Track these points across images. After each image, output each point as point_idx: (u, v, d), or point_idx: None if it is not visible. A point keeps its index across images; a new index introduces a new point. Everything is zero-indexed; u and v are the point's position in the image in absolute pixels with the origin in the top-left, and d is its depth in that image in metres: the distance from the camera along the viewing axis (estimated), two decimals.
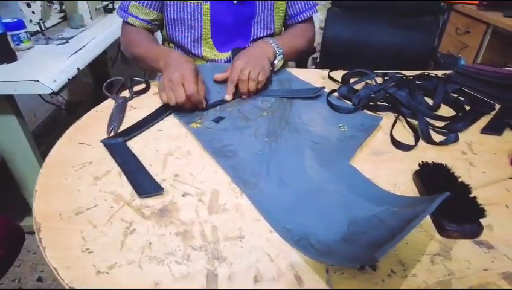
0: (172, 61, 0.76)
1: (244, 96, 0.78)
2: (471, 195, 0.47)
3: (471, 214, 0.45)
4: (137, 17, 0.93)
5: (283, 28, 1.08)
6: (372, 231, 0.42)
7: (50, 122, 2.03)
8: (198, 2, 0.89)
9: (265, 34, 0.99)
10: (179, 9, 0.90)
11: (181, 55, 0.80)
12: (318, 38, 1.66)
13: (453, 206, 0.45)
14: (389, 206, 0.46)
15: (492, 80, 0.81)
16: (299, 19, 1.03)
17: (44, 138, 1.73)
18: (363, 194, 0.50)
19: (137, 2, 0.92)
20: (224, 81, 0.83)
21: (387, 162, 0.60)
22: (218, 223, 0.47)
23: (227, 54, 0.97)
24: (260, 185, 0.53)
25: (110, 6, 1.54)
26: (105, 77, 0.84)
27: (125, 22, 0.96)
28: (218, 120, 0.69)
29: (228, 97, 0.77)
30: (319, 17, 2.16)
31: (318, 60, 1.71)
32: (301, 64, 1.48)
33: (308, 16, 1.02)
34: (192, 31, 0.93)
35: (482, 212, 0.45)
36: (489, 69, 0.84)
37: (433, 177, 0.51)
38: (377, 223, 0.43)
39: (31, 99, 1.69)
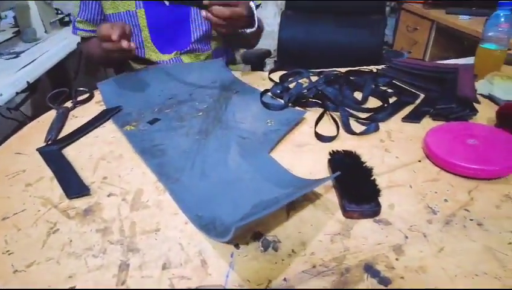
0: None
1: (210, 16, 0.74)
2: (372, 178, 0.51)
3: (368, 195, 0.49)
4: (85, 30, 1.00)
5: None
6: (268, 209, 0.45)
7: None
8: (132, 9, 0.92)
9: (204, 30, 1.01)
10: (117, 19, 0.94)
11: None
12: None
13: (352, 189, 0.49)
14: (292, 188, 0.50)
15: (418, 72, 0.87)
16: None
17: None
18: (274, 180, 0.53)
19: (82, 18, 0.98)
20: (167, 82, 0.87)
21: (307, 153, 0.64)
22: (138, 219, 0.50)
23: (170, 56, 1.00)
24: (182, 179, 0.56)
25: (67, 19, 1.55)
26: (69, 89, 0.86)
27: (81, 38, 1.02)
28: (153, 122, 0.72)
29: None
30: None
31: (275, 62, 1.76)
32: (258, 66, 1.52)
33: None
34: (133, 37, 0.96)
35: (377, 193, 0.49)
36: (416, 62, 0.90)
37: (341, 164, 0.55)
38: (272, 201, 0.47)
39: None
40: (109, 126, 0.74)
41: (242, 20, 0.80)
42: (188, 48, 1.00)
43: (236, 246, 0.45)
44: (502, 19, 0.85)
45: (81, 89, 0.88)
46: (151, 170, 0.59)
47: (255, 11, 0.84)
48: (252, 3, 0.85)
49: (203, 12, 0.75)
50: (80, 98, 0.85)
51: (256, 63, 1.50)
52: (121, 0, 0.92)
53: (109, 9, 0.94)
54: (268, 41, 2.27)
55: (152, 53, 1.00)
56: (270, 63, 2.32)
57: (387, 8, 2.25)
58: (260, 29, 1.03)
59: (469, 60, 0.96)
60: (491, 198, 0.53)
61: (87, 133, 0.71)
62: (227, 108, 0.77)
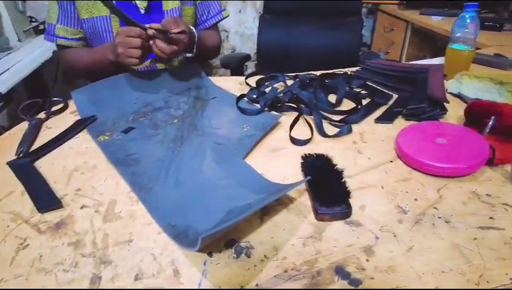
0: (112, 42, 0.83)
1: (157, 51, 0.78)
2: (343, 180, 0.52)
3: (339, 197, 0.50)
4: (65, 38, 0.97)
5: None
6: (238, 216, 0.46)
7: None
8: (107, 15, 0.92)
9: None
10: (92, 25, 0.93)
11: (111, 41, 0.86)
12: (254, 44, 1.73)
13: (323, 191, 0.50)
14: (265, 193, 0.50)
15: (390, 73, 0.89)
16: (206, 26, 1.08)
17: None
18: (248, 186, 0.54)
19: (62, 24, 0.95)
20: (142, 89, 0.87)
21: (282, 157, 0.65)
22: (110, 231, 0.50)
23: (145, 63, 0.99)
24: (156, 188, 0.56)
25: (41, 27, 1.52)
26: (45, 99, 0.85)
27: (58, 46, 0.99)
28: (127, 131, 0.72)
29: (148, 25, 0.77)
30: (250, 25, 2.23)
31: (256, 65, 1.77)
32: (238, 70, 1.53)
33: (214, 22, 1.09)
34: (106, 42, 0.95)
35: (348, 195, 0.50)
36: (388, 64, 0.92)
37: (313, 168, 0.56)
38: (245, 208, 0.47)
39: None
40: (83, 136, 0.73)
41: (181, 51, 0.83)
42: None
43: (210, 254, 0.45)
44: (468, 20, 0.88)
45: (55, 99, 0.87)
46: (124, 180, 0.59)
47: (196, 40, 0.88)
48: (195, 31, 0.88)
49: (150, 41, 0.78)
50: (54, 109, 0.84)
51: (236, 67, 1.50)
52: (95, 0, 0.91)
53: (84, 13, 0.92)
54: (249, 45, 2.29)
55: None
56: (251, 66, 2.34)
57: (365, 10, 2.29)
58: (211, 46, 1.06)
59: (440, 60, 0.99)
60: (459, 195, 0.55)
61: (61, 144, 0.70)
62: (203, 114, 0.77)
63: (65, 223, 0.51)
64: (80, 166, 0.63)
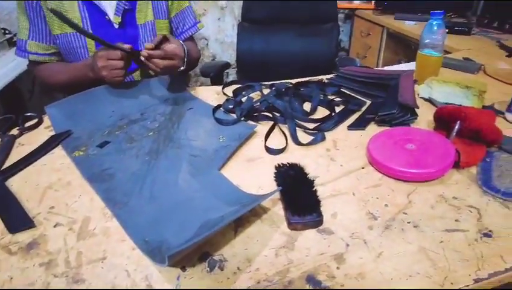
0: (91, 62, 0.84)
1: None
2: (314, 189, 0.54)
3: (310, 206, 0.51)
4: (37, 54, 0.96)
5: None
6: (210, 230, 0.46)
7: None
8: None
9: None
10: (65, 40, 0.92)
11: (90, 58, 0.87)
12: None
13: (295, 201, 0.51)
14: (239, 205, 0.51)
15: (364, 80, 0.91)
16: (182, 38, 1.09)
17: None
18: (223, 198, 0.55)
19: (33, 40, 0.94)
20: (119, 101, 0.87)
21: (257, 166, 0.65)
22: (84, 249, 0.49)
23: None
24: (130, 203, 0.56)
25: (16, 39, 1.50)
26: (22, 112, 0.84)
27: (30, 62, 0.98)
28: (103, 145, 0.71)
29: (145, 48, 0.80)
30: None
31: (235, 73, 1.78)
32: (217, 78, 1.53)
33: (190, 34, 1.10)
34: (81, 57, 0.94)
35: (318, 204, 0.51)
36: (361, 70, 0.94)
37: (286, 177, 0.57)
38: (219, 220, 0.48)
39: None
40: (58, 152, 0.72)
41: (177, 65, 0.86)
42: (138, 67, 1.00)
43: (183, 268, 0.46)
44: (435, 28, 0.91)
45: (29, 114, 0.85)
46: (99, 196, 0.59)
47: (185, 54, 0.89)
48: (185, 46, 0.89)
49: (142, 58, 0.80)
50: (27, 124, 0.83)
51: (215, 75, 1.51)
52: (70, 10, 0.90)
53: (57, 29, 0.92)
54: (229, 53, 2.30)
55: None
56: (232, 73, 2.35)
57: (342, 15, 2.33)
58: (195, 57, 1.08)
59: (412, 65, 1.02)
60: (428, 199, 0.57)
61: (34, 161, 0.69)
62: (179, 126, 0.77)
63: (37, 243, 0.51)
64: (53, 183, 0.63)
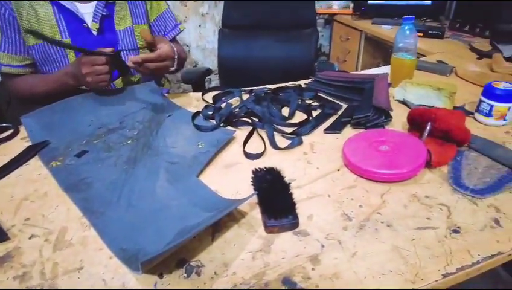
0: (73, 70, 0.84)
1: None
2: (289, 192, 0.55)
3: (286, 209, 0.52)
4: (11, 66, 0.94)
5: None
6: (185, 236, 0.47)
7: None
8: (58, 39, 0.90)
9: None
10: (43, 50, 0.91)
11: (70, 66, 0.87)
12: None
13: (272, 204, 0.52)
14: (215, 211, 0.52)
15: (340, 84, 0.93)
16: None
17: None
18: (200, 204, 0.55)
19: (6, 52, 0.92)
20: (97, 110, 0.87)
21: (235, 172, 0.66)
22: (60, 259, 0.49)
23: None
24: (108, 212, 0.55)
25: None
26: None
27: (3, 74, 0.96)
28: (80, 155, 0.71)
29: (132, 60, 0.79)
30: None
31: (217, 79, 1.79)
32: (199, 85, 1.54)
33: (172, 36, 1.11)
34: (61, 66, 0.94)
35: (294, 206, 0.52)
36: (337, 74, 0.96)
37: (263, 181, 0.58)
38: (194, 227, 0.48)
39: None
40: (34, 163, 0.71)
41: (169, 66, 0.86)
42: (119, 75, 1.00)
43: (160, 275, 0.46)
44: (408, 32, 0.94)
45: (4, 125, 0.84)
46: (76, 206, 0.58)
47: (176, 54, 0.90)
48: (174, 46, 0.89)
49: (130, 63, 0.80)
50: (2, 135, 0.81)
51: (197, 82, 1.51)
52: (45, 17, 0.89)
53: (32, 40, 0.91)
54: (211, 59, 2.31)
55: None
56: (215, 79, 2.36)
57: (322, 20, 2.38)
58: (183, 57, 1.10)
59: (387, 69, 1.05)
60: (401, 199, 0.59)
61: (10, 173, 0.68)
62: (158, 133, 0.78)
63: (11, 255, 0.50)
64: (29, 194, 0.62)
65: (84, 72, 0.79)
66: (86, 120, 0.84)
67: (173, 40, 1.13)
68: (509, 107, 0.77)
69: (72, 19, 0.92)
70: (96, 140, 0.76)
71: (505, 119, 0.79)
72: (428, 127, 0.70)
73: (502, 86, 0.78)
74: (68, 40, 0.92)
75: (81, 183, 0.63)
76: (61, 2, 0.89)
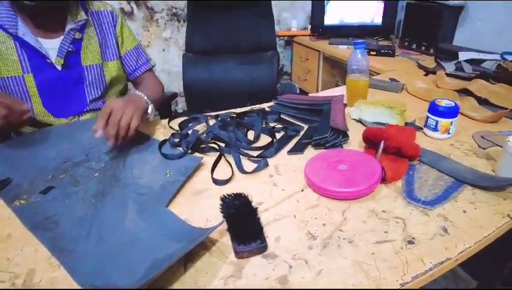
0: None
1: (111, 143, 0.77)
2: (257, 217, 0.57)
3: (254, 234, 0.55)
4: None
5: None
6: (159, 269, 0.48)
7: None
8: (19, 75, 0.89)
9: (100, 90, 1.02)
10: (2, 85, 0.90)
11: None
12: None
13: (240, 230, 0.55)
14: (186, 241, 0.53)
15: (300, 106, 0.98)
16: (137, 75, 1.11)
17: None
18: (170, 235, 0.56)
19: None
20: (61, 143, 0.86)
21: (204, 199, 0.68)
22: None
23: (67, 120, 0.98)
24: (77, 249, 0.55)
25: None
26: None
27: None
28: (46, 191, 0.70)
29: (98, 134, 0.76)
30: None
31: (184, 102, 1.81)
32: (165, 111, 1.54)
33: (143, 71, 1.13)
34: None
35: (261, 230, 0.55)
36: (297, 97, 1.01)
37: (231, 208, 0.60)
38: (165, 260, 0.50)
39: None
40: None
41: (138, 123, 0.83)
42: (85, 109, 1.00)
43: None
44: (359, 55, 1.01)
45: None
46: (44, 246, 0.58)
47: (149, 111, 0.91)
48: (145, 97, 0.90)
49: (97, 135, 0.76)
50: None
51: (163, 106, 1.52)
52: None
53: None
54: (177, 82, 2.33)
55: (46, 117, 0.96)
56: (182, 101, 2.37)
57: (283, 42, 2.48)
58: (158, 91, 1.12)
59: (342, 89, 1.12)
60: (360, 215, 0.63)
61: None
62: (125, 164, 0.78)
63: None
64: None
65: None
66: (49, 154, 0.83)
67: (149, 71, 1.15)
68: (452, 122, 0.85)
69: (35, 54, 0.91)
70: (63, 174, 0.75)
71: (449, 133, 0.87)
72: (381, 146, 0.75)
73: (444, 103, 0.86)
74: (30, 75, 0.91)
75: (48, 221, 0.62)
76: (23, 37, 0.88)
